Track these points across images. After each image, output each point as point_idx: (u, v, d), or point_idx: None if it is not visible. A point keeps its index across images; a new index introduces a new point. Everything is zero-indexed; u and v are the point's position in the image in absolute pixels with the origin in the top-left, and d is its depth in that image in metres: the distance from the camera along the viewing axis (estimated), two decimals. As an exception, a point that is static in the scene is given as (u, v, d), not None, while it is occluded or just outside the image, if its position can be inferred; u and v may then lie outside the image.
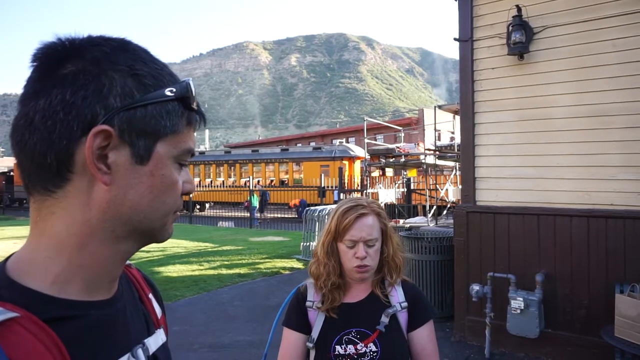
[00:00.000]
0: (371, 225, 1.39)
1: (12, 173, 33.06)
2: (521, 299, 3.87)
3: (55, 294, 0.53)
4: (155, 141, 0.57)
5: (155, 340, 0.67)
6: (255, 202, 18.34)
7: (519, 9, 4.08)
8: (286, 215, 19.90)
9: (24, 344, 0.47)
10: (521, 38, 4.06)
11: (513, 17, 4.11)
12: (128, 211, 0.57)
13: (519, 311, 3.87)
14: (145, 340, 0.64)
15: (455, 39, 4.62)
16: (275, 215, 20.26)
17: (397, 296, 1.43)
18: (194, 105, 0.60)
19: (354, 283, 1.44)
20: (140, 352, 0.61)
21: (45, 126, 0.52)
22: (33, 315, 0.49)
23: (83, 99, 0.52)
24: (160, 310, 0.76)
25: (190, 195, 18.32)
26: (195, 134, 0.64)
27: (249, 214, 18.09)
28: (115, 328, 0.59)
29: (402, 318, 1.41)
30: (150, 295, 0.75)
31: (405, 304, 1.42)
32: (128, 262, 0.71)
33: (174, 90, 0.57)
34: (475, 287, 4.14)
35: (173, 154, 0.59)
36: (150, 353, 0.64)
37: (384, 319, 1.37)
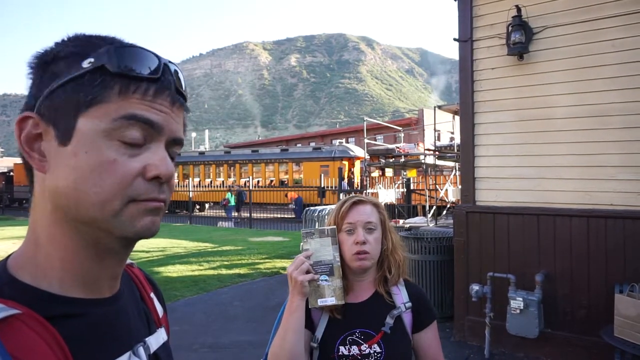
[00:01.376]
0: (369, 212, 1.41)
1: (12, 173, 33.04)
2: (521, 299, 3.87)
3: (54, 291, 0.54)
4: (76, 117, 0.53)
5: (157, 339, 0.67)
6: (233, 201, 19.17)
7: (518, 9, 4.09)
8: (283, 216, 19.93)
9: (25, 341, 0.48)
10: (521, 38, 4.07)
11: (513, 17, 4.11)
12: (61, 198, 0.54)
13: (518, 311, 3.87)
14: (147, 339, 0.64)
15: (455, 39, 4.62)
16: (275, 215, 20.25)
17: (402, 296, 1.42)
18: (116, 69, 0.53)
19: (357, 282, 1.43)
20: (141, 350, 0.61)
21: None
22: (35, 313, 0.50)
23: (27, 97, 0.56)
24: (161, 310, 0.75)
25: (190, 195, 18.41)
26: (186, 124, 0.62)
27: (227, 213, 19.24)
28: (116, 326, 0.59)
29: (407, 319, 1.40)
30: (152, 295, 0.75)
31: (409, 304, 1.41)
32: (130, 261, 0.71)
33: (92, 60, 0.53)
34: (475, 287, 4.14)
35: (101, 128, 0.53)
36: (152, 352, 0.64)
37: (389, 320, 1.37)
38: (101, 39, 0.57)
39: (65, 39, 0.57)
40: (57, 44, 0.57)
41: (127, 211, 0.54)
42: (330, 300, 1.31)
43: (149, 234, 0.56)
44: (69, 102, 0.53)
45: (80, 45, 0.55)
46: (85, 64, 0.53)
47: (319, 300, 1.31)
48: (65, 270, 0.55)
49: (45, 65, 0.55)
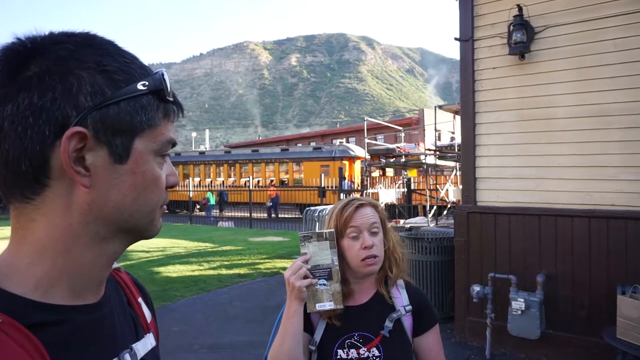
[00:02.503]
0: (371, 214, 1.39)
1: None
2: (522, 299, 3.85)
3: (38, 298, 0.52)
4: (133, 138, 0.55)
5: (144, 345, 0.66)
6: (213, 200, 20.16)
7: (520, 8, 4.06)
8: (284, 216, 19.93)
9: (5, 349, 0.46)
10: (522, 38, 4.04)
11: (514, 16, 4.09)
12: (112, 212, 0.55)
13: (519, 312, 3.85)
14: (134, 345, 0.63)
15: (456, 39, 4.61)
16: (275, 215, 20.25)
17: (402, 299, 1.40)
18: (169, 97, 0.58)
19: (358, 284, 1.40)
20: (127, 357, 0.60)
21: (16, 133, 0.50)
22: (15, 321, 0.48)
23: (52, 101, 0.50)
24: (150, 315, 0.74)
25: (191, 195, 18.48)
26: (174, 124, 0.62)
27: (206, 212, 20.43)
28: (101, 333, 0.57)
29: (407, 322, 1.38)
30: (140, 300, 0.73)
31: (409, 308, 1.39)
32: (117, 265, 0.70)
33: (147, 83, 0.55)
34: (476, 288, 4.12)
35: (153, 149, 0.57)
36: (139, 358, 0.63)
37: (388, 324, 1.34)
38: (109, 48, 0.56)
39: (55, 40, 0.53)
40: (61, 48, 0.52)
41: (157, 216, 0.61)
42: (328, 305, 1.29)
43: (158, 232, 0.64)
44: (126, 122, 0.54)
45: (114, 62, 0.54)
46: (140, 86, 0.54)
47: (317, 305, 1.29)
48: (61, 279, 0.54)
49: (66, 72, 0.51)
